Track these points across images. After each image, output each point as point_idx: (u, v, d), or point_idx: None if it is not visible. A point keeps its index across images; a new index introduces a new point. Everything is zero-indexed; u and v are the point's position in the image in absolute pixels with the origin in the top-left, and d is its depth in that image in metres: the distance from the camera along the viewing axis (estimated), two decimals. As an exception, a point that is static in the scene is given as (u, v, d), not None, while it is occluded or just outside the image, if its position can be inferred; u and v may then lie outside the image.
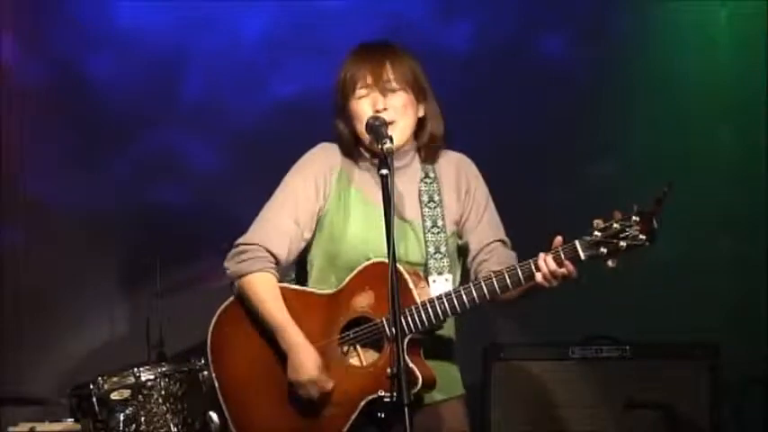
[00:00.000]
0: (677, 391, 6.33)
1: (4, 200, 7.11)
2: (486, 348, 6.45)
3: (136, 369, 5.73)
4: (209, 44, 7.23)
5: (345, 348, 4.33)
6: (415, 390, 4.16)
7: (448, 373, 4.41)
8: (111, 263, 7.16)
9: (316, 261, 4.44)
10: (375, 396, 4.21)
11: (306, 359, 4.27)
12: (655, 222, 4.02)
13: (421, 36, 6.98)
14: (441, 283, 4.30)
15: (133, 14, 7.16)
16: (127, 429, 5.67)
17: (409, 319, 4.21)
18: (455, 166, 4.47)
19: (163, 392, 5.71)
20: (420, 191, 4.42)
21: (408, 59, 4.41)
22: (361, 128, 4.35)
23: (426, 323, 4.22)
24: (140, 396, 5.69)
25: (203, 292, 5.90)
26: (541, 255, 4.13)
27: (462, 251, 4.45)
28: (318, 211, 4.43)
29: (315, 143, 4.53)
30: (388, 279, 3.98)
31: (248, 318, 4.40)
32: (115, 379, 5.73)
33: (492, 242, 4.41)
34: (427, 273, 4.33)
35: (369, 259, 4.31)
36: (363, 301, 4.29)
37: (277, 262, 4.40)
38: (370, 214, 4.36)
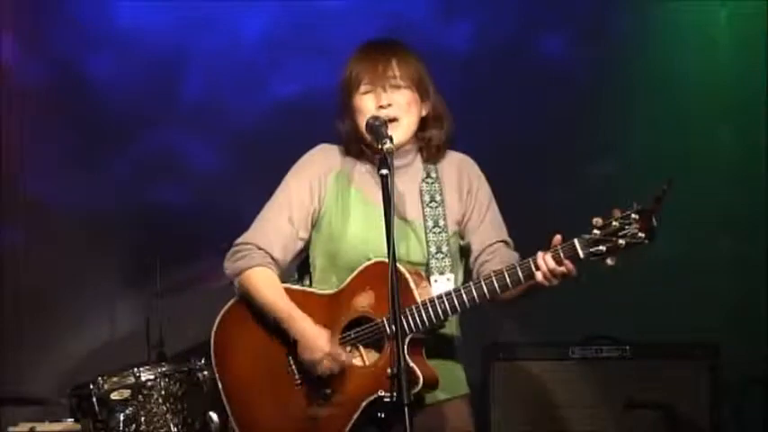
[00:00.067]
0: (677, 391, 6.33)
1: (4, 200, 7.11)
2: (486, 348, 6.46)
3: (136, 369, 5.73)
4: (209, 44, 7.23)
5: (347, 348, 4.33)
6: (417, 389, 4.16)
7: (451, 373, 4.41)
8: (111, 263, 7.16)
9: (317, 262, 4.45)
10: (375, 397, 4.21)
11: (316, 337, 4.28)
12: (654, 220, 4.02)
13: (421, 36, 6.96)
14: (442, 283, 4.30)
15: (133, 14, 7.16)
16: (127, 429, 5.67)
17: (410, 318, 4.21)
18: (457, 167, 4.47)
19: (163, 392, 5.71)
20: (421, 191, 4.42)
21: (414, 58, 4.42)
22: (364, 124, 4.35)
23: (427, 323, 4.22)
24: (140, 396, 5.69)
25: (203, 292, 5.91)
26: (540, 253, 4.13)
27: (465, 252, 4.45)
28: (313, 213, 4.44)
29: (315, 143, 4.54)
30: (388, 279, 3.99)
31: (251, 318, 4.41)
32: (115, 379, 5.72)
33: (494, 243, 4.41)
34: (429, 272, 4.33)
35: (369, 259, 4.31)
36: (364, 301, 4.29)
37: (274, 261, 4.41)
38: (371, 214, 4.36)
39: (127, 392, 5.70)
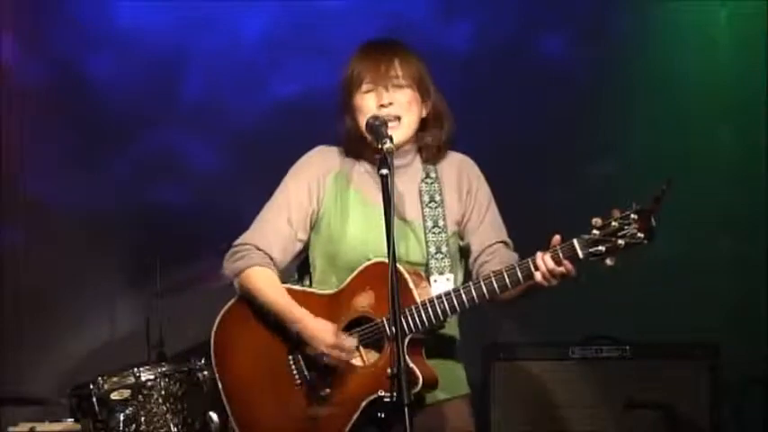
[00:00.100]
0: (677, 391, 6.33)
1: (4, 200, 7.11)
2: (486, 348, 6.45)
3: (136, 369, 5.73)
4: (209, 44, 7.23)
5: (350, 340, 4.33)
6: (416, 390, 4.16)
7: (452, 372, 4.41)
8: (111, 263, 7.15)
9: (317, 263, 4.46)
10: (375, 397, 4.21)
11: (320, 330, 4.28)
12: (653, 220, 4.01)
13: (421, 36, 6.96)
14: (442, 283, 4.30)
15: (133, 14, 7.16)
16: (127, 429, 5.67)
17: (409, 318, 4.21)
18: (457, 167, 4.47)
19: (163, 392, 5.71)
20: (421, 191, 4.42)
21: (415, 58, 4.42)
22: (364, 123, 4.35)
23: (426, 323, 4.22)
24: (140, 396, 5.69)
25: (203, 292, 5.91)
26: (539, 254, 4.13)
27: (464, 252, 4.45)
28: (312, 214, 4.45)
29: (315, 143, 4.54)
30: (388, 279, 3.99)
31: (251, 318, 4.42)
32: (115, 379, 5.72)
33: (494, 243, 4.41)
34: (428, 273, 4.33)
35: (369, 259, 4.31)
36: (364, 302, 4.29)
37: (273, 261, 4.42)
38: (370, 215, 4.36)
39: (127, 392, 5.70)
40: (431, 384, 4.26)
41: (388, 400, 4.10)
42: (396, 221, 4.16)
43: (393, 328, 3.98)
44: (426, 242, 4.36)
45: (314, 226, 4.46)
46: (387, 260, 4.04)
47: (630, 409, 6.31)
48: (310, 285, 4.46)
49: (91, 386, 5.70)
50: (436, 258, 4.34)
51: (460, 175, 4.46)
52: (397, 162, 4.28)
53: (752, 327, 6.96)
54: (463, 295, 4.20)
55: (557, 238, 4.13)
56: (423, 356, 4.26)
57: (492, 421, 6.38)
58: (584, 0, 7.25)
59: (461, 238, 4.44)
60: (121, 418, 5.68)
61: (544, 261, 4.11)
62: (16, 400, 6.56)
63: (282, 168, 4.52)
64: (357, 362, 4.31)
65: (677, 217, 6.44)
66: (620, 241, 4.03)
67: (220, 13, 7.20)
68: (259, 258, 4.40)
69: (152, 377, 5.71)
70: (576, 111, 7.15)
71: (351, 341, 4.28)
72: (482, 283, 4.18)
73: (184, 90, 7.25)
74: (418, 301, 4.22)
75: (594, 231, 4.05)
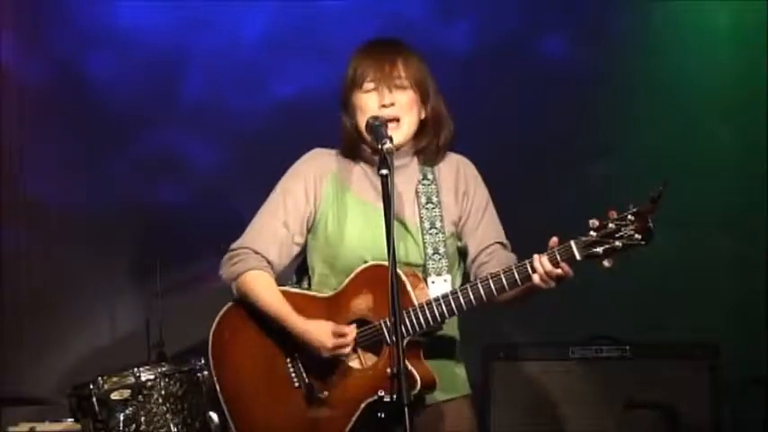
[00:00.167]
0: (677, 391, 6.32)
1: (4, 200, 7.11)
2: (486, 348, 6.45)
3: (136, 369, 5.72)
4: (209, 44, 7.22)
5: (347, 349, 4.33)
6: (415, 391, 4.16)
7: (452, 373, 4.41)
8: (111, 263, 7.15)
9: (315, 266, 4.45)
10: (375, 398, 4.21)
11: (315, 337, 4.28)
12: (650, 222, 4.01)
13: (421, 36, 6.91)
14: (439, 284, 4.30)
15: (133, 14, 7.15)
16: (127, 429, 5.66)
17: (407, 321, 4.20)
18: (454, 168, 4.47)
19: (163, 392, 5.70)
20: (418, 192, 4.41)
21: (418, 59, 4.42)
22: (364, 122, 4.34)
23: (424, 325, 4.22)
24: (140, 396, 5.68)
25: (203, 293, 5.91)
26: (536, 256, 4.12)
27: (462, 253, 4.45)
28: (308, 217, 4.44)
29: (314, 143, 4.53)
30: (385, 281, 3.98)
31: (249, 320, 4.41)
32: (115, 379, 5.71)
33: (491, 244, 4.40)
34: (426, 274, 4.33)
35: (366, 262, 4.31)
36: (362, 304, 4.29)
37: (270, 264, 4.41)
38: (368, 217, 4.36)
39: (127, 392, 5.69)
40: (429, 386, 4.26)
41: (388, 400, 4.10)
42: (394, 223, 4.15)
43: (392, 331, 3.97)
44: (423, 243, 4.35)
45: (311, 228, 4.45)
46: (384, 262, 4.06)
47: (630, 409, 6.31)
48: (309, 288, 4.46)
49: (91, 386, 5.69)
50: (433, 259, 4.34)
51: (458, 176, 4.45)
52: (395, 163, 4.26)
53: (752, 327, 6.96)
54: (461, 297, 4.20)
55: (554, 239, 4.13)
56: (421, 358, 4.26)
57: (492, 421, 6.38)
58: (584, 0, 7.25)
59: (459, 239, 4.44)
60: (121, 418, 5.67)
61: (541, 263, 4.10)
62: (16, 400, 6.56)
63: (282, 168, 4.52)
64: (355, 364, 4.31)
65: (677, 217, 6.45)
66: (618, 243, 4.03)
67: (220, 13, 7.20)
68: (256, 262, 4.40)
69: (152, 377, 5.70)
70: (576, 111, 7.14)
71: (349, 328, 4.26)
72: (479, 285, 4.18)
73: (184, 90, 7.25)
74: (416, 303, 4.22)
75: (592, 233, 4.05)
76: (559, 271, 4.10)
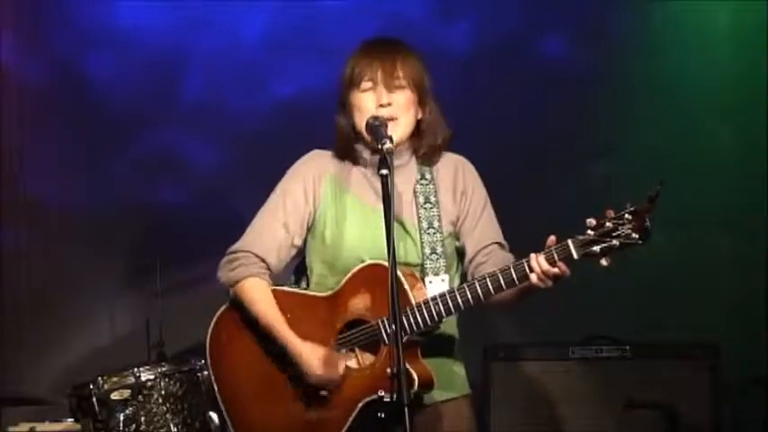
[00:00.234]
0: (677, 391, 6.32)
1: (4, 200, 7.11)
2: (486, 348, 6.45)
3: (136, 369, 5.73)
4: (209, 44, 7.22)
5: (343, 350, 4.33)
6: (413, 391, 4.15)
7: (452, 372, 4.41)
8: (111, 263, 7.15)
9: (314, 267, 4.45)
10: (373, 397, 4.21)
11: (306, 361, 4.28)
12: (648, 221, 4.01)
13: (420, 36, 6.91)
14: (437, 284, 4.30)
15: (133, 14, 7.16)
16: (127, 429, 5.66)
17: (404, 320, 4.20)
18: (453, 168, 4.46)
19: (163, 392, 5.71)
20: (416, 192, 4.41)
21: (416, 60, 4.41)
22: (361, 122, 4.34)
23: (422, 324, 4.22)
24: (140, 396, 5.69)
25: (203, 293, 5.91)
26: (533, 255, 4.12)
27: (460, 253, 4.45)
28: (308, 218, 4.44)
29: (314, 144, 4.53)
30: (382, 280, 3.98)
31: (246, 320, 4.41)
32: (115, 379, 5.72)
33: (489, 245, 4.40)
34: (424, 273, 4.33)
35: (363, 261, 4.31)
36: (360, 304, 4.29)
37: (268, 267, 4.41)
38: (366, 217, 4.36)
39: (127, 392, 5.69)
40: (427, 385, 4.25)
41: (387, 400, 4.10)
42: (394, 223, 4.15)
43: (390, 330, 3.96)
44: (421, 243, 4.35)
45: (310, 229, 4.45)
46: (381, 261, 4.06)
47: (630, 409, 6.31)
48: (307, 287, 4.46)
49: (91, 386, 5.70)
50: (431, 259, 4.33)
51: (456, 176, 4.45)
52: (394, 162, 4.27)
53: (752, 327, 6.96)
54: (458, 297, 4.19)
55: (552, 238, 4.12)
56: (418, 357, 4.26)
57: (492, 421, 6.38)
58: (584, 0, 7.25)
59: (457, 239, 4.44)
60: (121, 418, 5.68)
61: (539, 262, 4.10)
62: (16, 400, 6.56)
63: (282, 168, 4.52)
64: (353, 364, 4.31)
65: (677, 217, 6.45)
66: (615, 241, 4.02)
67: (220, 13, 7.20)
68: (256, 268, 4.39)
69: (152, 377, 5.71)
70: (576, 111, 7.14)
71: (340, 366, 4.27)
72: (476, 284, 4.18)
73: (184, 90, 7.25)
74: (413, 302, 4.22)
75: (589, 232, 4.05)
76: (557, 270, 4.09)
